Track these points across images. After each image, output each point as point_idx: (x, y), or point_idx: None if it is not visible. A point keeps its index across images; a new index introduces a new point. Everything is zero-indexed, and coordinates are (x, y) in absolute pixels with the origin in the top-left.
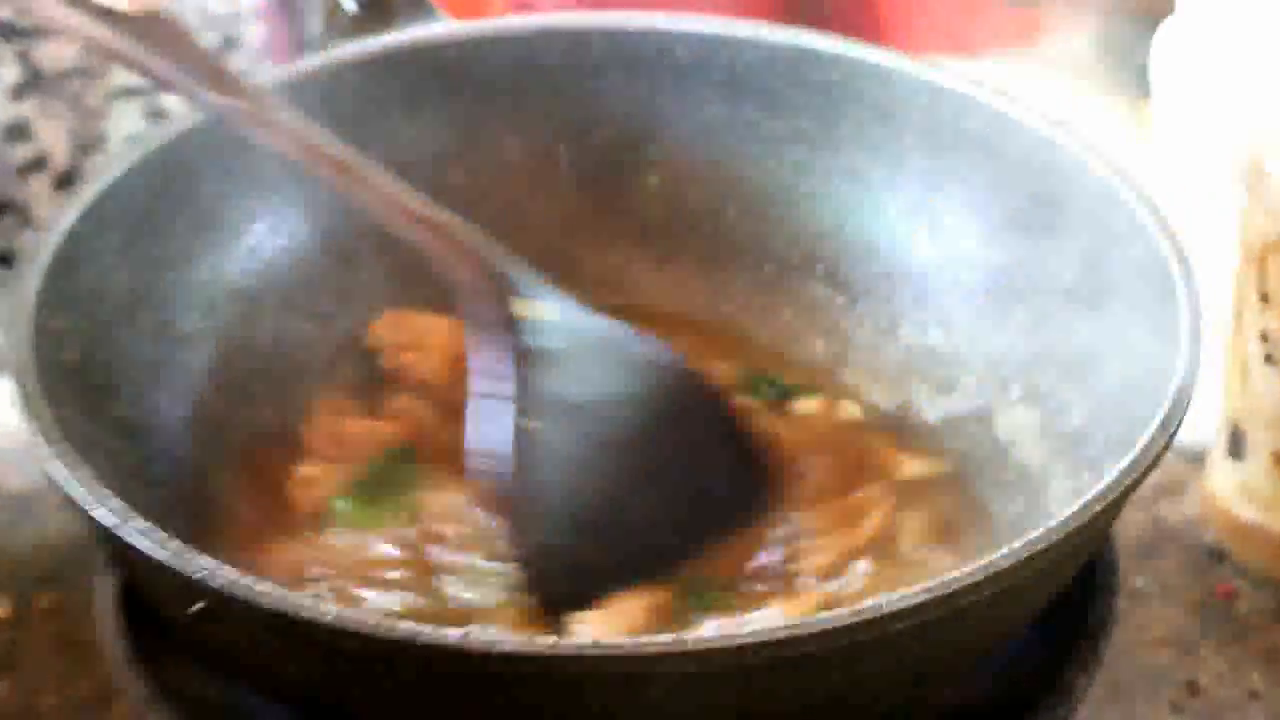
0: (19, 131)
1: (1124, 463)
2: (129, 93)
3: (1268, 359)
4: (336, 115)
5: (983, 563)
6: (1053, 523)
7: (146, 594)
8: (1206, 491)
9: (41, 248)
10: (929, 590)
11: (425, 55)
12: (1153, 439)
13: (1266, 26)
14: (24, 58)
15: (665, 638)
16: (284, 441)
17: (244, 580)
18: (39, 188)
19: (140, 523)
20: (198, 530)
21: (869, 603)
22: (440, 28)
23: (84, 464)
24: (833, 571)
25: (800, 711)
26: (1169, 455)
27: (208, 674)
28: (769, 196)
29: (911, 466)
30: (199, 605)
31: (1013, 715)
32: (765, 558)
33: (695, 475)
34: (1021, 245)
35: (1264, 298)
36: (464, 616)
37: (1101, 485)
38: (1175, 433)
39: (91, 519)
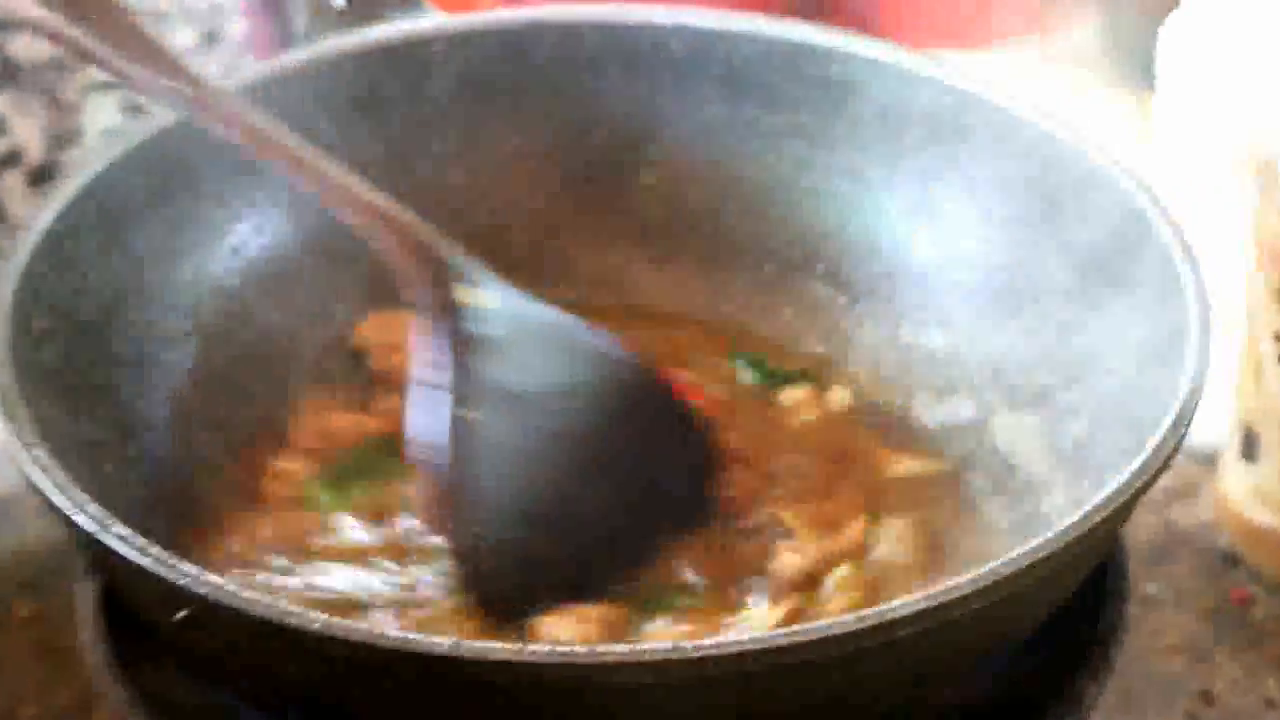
0: None
1: (1132, 466)
2: (106, 86)
3: None
4: (322, 112)
5: (986, 569)
6: (1058, 528)
7: (128, 600)
8: (1219, 494)
9: (19, 247)
10: (931, 598)
11: (413, 50)
12: (1162, 441)
13: (1277, 20)
14: None
15: (664, 644)
16: (270, 443)
17: (229, 587)
18: (13, 183)
19: (121, 528)
20: (181, 533)
21: (871, 610)
22: (429, 22)
23: (64, 467)
24: (806, 574)
25: (800, 712)
26: (1181, 457)
27: (190, 681)
28: (769, 194)
29: (905, 467)
30: (183, 613)
31: None
32: (736, 554)
33: (644, 471)
34: (1025, 244)
35: (1278, 298)
36: (425, 609)
37: (1109, 489)
38: (1184, 434)
39: (71, 524)
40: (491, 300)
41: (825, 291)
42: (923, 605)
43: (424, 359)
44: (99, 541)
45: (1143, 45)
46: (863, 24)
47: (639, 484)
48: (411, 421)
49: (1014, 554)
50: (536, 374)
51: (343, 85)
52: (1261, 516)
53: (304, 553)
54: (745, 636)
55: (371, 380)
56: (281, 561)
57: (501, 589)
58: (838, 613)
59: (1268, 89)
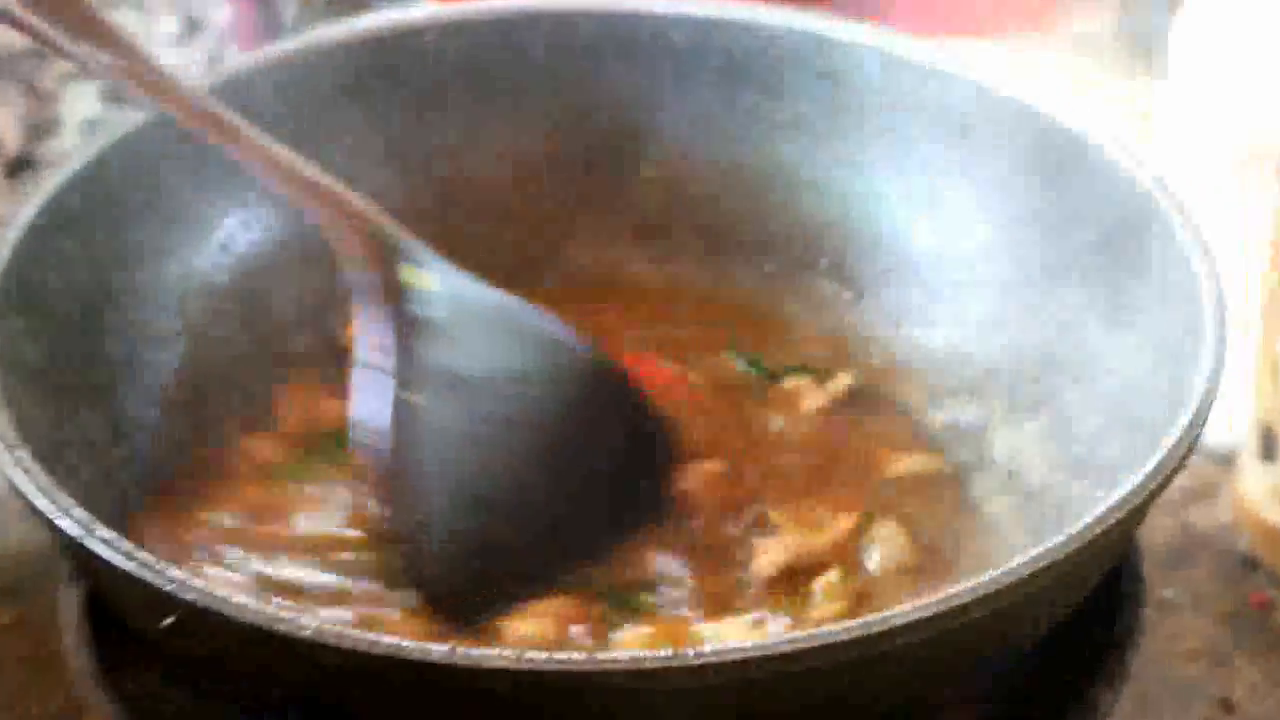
0: None
1: (1147, 467)
2: (85, 75)
3: None
4: (309, 103)
5: (993, 575)
6: (1069, 531)
7: (113, 606)
8: (1238, 496)
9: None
10: (934, 605)
11: (405, 40)
12: (1178, 440)
13: None
14: None
15: (665, 652)
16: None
17: (219, 593)
18: None
19: (106, 532)
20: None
21: (875, 617)
22: (420, 11)
23: (47, 470)
24: (787, 572)
25: (800, 712)
26: (1198, 458)
27: (176, 687)
28: (770, 187)
29: (905, 466)
30: (169, 619)
31: None
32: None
33: (595, 460)
34: (1033, 238)
35: None
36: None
37: (1123, 491)
38: (1199, 434)
39: (55, 528)
40: (437, 282)
41: (827, 286)
42: (926, 612)
43: (367, 342)
44: (83, 546)
45: (1153, 36)
46: (865, 12)
47: (589, 473)
48: (354, 406)
49: (1022, 559)
50: (483, 358)
51: (331, 76)
52: None
53: (257, 544)
54: (748, 644)
55: None
56: (236, 552)
57: (446, 579)
58: (822, 621)
59: None
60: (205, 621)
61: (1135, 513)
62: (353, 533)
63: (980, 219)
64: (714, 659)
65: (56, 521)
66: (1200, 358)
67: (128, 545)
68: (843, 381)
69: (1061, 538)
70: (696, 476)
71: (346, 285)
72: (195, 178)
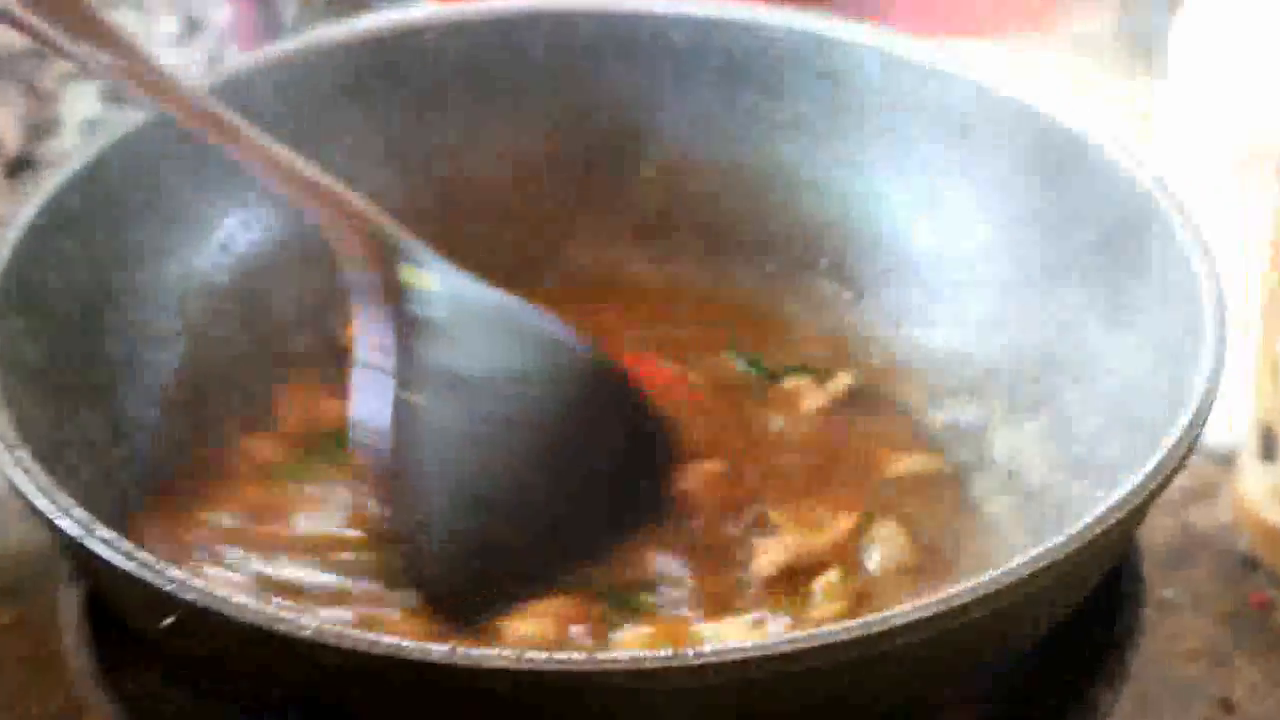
0: None
1: (1147, 466)
2: (85, 75)
3: None
4: (310, 103)
5: (993, 575)
6: (1069, 531)
7: (113, 606)
8: (1238, 496)
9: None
10: (935, 605)
11: (405, 40)
12: (1177, 440)
13: None
14: None
15: (665, 652)
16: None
17: (219, 593)
18: None
19: (106, 532)
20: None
21: (875, 617)
22: (420, 10)
23: (47, 470)
24: (786, 572)
25: (800, 712)
26: (1198, 458)
27: (176, 687)
28: (770, 187)
29: (905, 466)
30: (169, 619)
31: None
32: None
33: (594, 460)
34: (1034, 238)
35: None
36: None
37: (1123, 491)
38: (1199, 434)
39: (55, 528)
40: (437, 282)
41: (827, 285)
42: (926, 612)
43: (367, 342)
44: (83, 546)
45: (1153, 36)
46: (865, 12)
47: (589, 474)
48: (354, 406)
49: (1022, 559)
50: (483, 358)
51: (331, 76)
52: None
53: (257, 543)
54: (748, 644)
55: None
56: (236, 552)
57: (445, 579)
58: (822, 621)
59: None
60: (205, 621)
61: (1135, 513)
62: (353, 533)
63: (980, 219)
64: (714, 659)
65: (56, 521)
66: (1200, 357)
67: (128, 545)
68: (843, 381)
69: (1061, 538)
70: (696, 476)
71: (346, 285)
72: (195, 178)
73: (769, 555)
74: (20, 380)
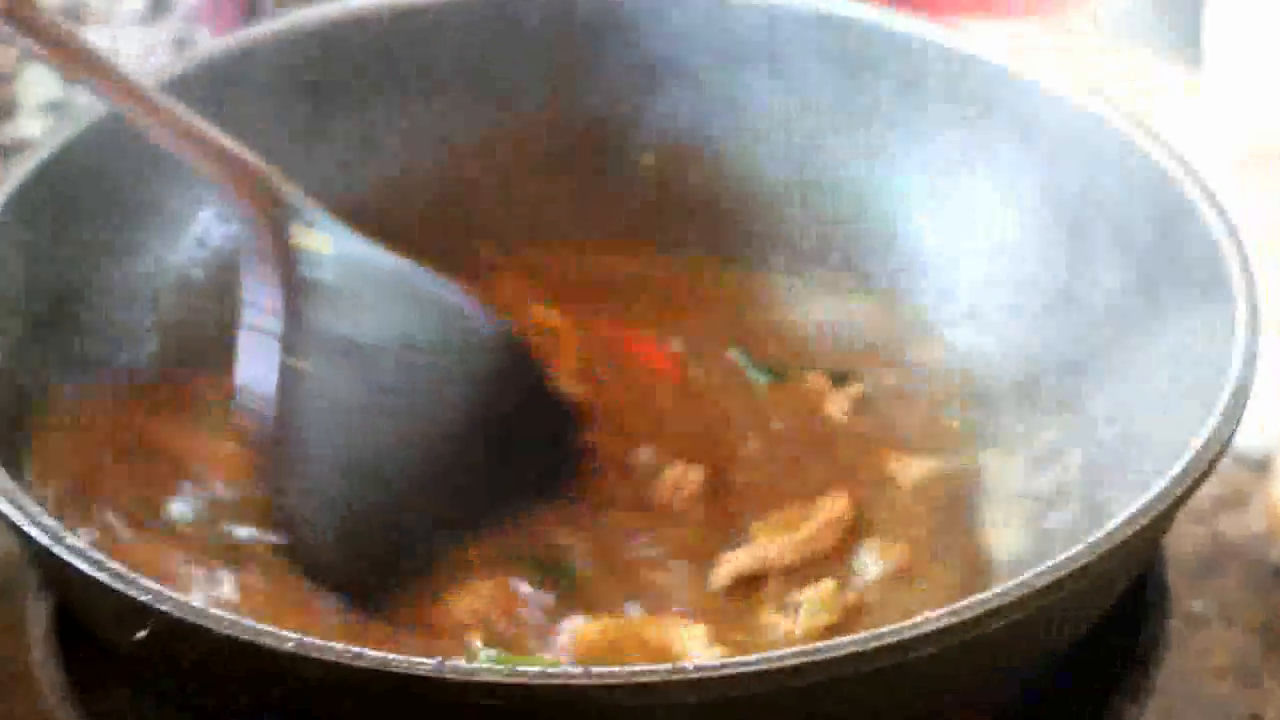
0: None
1: (1173, 471)
2: None
3: None
4: (292, 88)
5: (1012, 584)
6: (1092, 539)
7: (83, 618)
8: (1271, 503)
9: None
10: (951, 615)
11: (392, 21)
12: (1206, 444)
13: None
14: None
15: (664, 666)
16: None
17: (195, 604)
18: None
19: (76, 541)
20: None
21: (888, 628)
22: None
23: (14, 474)
24: (747, 577)
25: None
26: (1230, 464)
27: (148, 703)
28: (777, 177)
29: (915, 470)
30: (144, 631)
31: None
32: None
33: (491, 432)
34: (1059, 232)
35: None
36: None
37: (1147, 497)
38: (1230, 438)
39: (24, 536)
40: (331, 245)
41: (838, 281)
42: (938, 625)
43: (254, 304)
44: (52, 554)
45: (1192, 14)
46: None
47: (484, 444)
48: (239, 370)
49: (1042, 568)
50: (377, 325)
51: (313, 59)
52: None
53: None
54: (752, 657)
55: None
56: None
57: (329, 553)
58: (811, 633)
59: None
60: (181, 634)
61: (1161, 520)
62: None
63: (1000, 212)
64: (711, 674)
65: (25, 529)
66: (1231, 357)
67: (99, 554)
68: (851, 381)
69: (1082, 545)
70: (689, 477)
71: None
72: (168, 168)
73: (731, 564)
74: None
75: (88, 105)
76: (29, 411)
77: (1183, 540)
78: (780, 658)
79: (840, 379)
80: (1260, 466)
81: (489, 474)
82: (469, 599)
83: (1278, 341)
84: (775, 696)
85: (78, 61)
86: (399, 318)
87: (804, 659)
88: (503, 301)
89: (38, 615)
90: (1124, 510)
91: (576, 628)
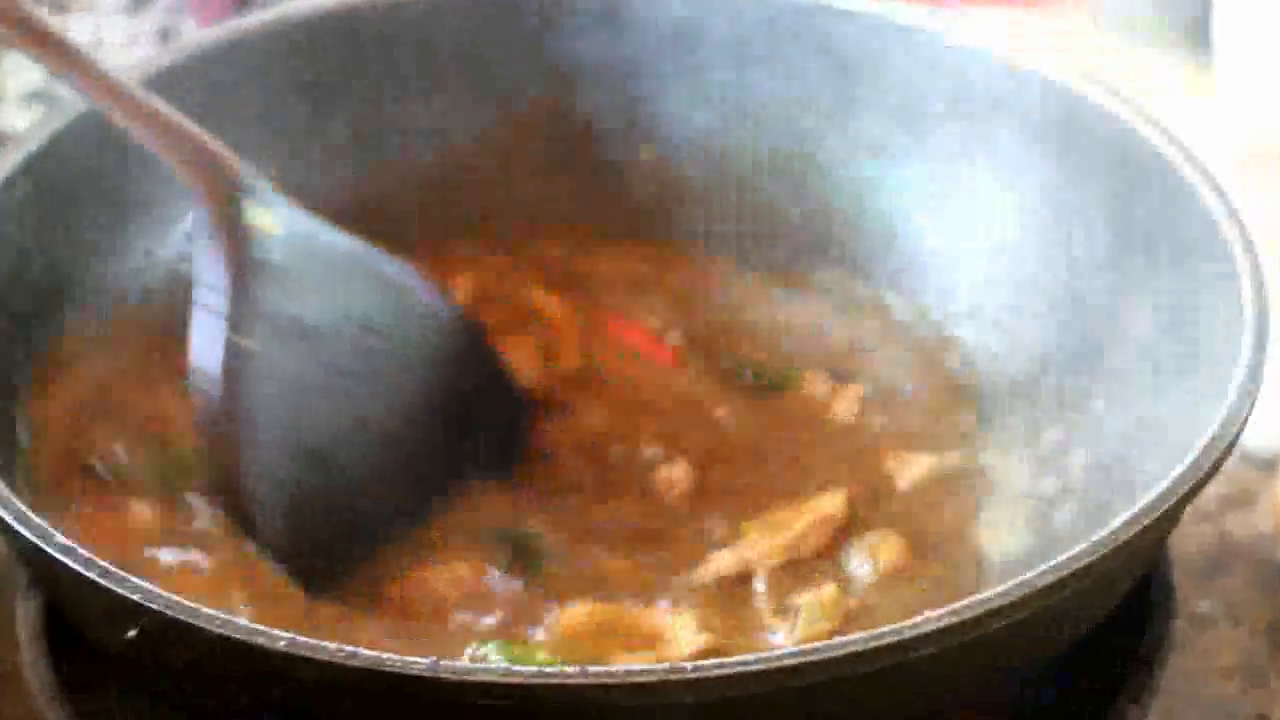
0: None
1: (1178, 470)
2: None
3: None
4: (281, 81)
5: (1013, 584)
6: (1095, 538)
7: (73, 618)
8: (1279, 502)
9: None
10: (953, 615)
11: (384, 12)
12: (1212, 442)
13: None
14: None
15: (662, 666)
16: None
17: (187, 603)
18: None
19: (65, 540)
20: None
21: (888, 628)
22: None
23: (2, 475)
24: (731, 576)
25: None
26: (1237, 462)
27: (138, 704)
28: (777, 172)
29: (915, 470)
30: (134, 631)
31: None
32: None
33: (441, 413)
34: (1062, 227)
35: None
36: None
37: (1152, 495)
38: (1237, 436)
39: (12, 533)
40: (281, 224)
41: (839, 279)
42: (939, 625)
43: (205, 282)
44: (42, 552)
45: (1191, 8)
46: None
47: (434, 425)
48: (191, 350)
49: (1045, 567)
50: (327, 305)
51: (304, 52)
52: None
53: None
54: (751, 657)
55: None
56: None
57: (276, 532)
58: (807, 639)
59: None
60: (172, 633)
61: (1166, 519)
62: None
63: (1003, 207)
64: (713, 673)
65: (14, 527)
66: (1239, 355)
67: (87, 553)
68: (851, 379)
69: (1085, 545)
70: (681, 474)
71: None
72: (157, 163)
73: (715, 563)
74: None
75: (74, 98)
76: (14, 409)
77: (1188, 540)
78: (779, 657)
79: (840, 377)
80: (1268, 466)
81: (439, 456)
82: (446, 578)
83: None
84: (774, 697)
85: (12, 27)
86: (352, 299)
87: (803, 659)
88: (501, 291)
89: (27, 615)
90: (1127, 510)
91: (561, 613)
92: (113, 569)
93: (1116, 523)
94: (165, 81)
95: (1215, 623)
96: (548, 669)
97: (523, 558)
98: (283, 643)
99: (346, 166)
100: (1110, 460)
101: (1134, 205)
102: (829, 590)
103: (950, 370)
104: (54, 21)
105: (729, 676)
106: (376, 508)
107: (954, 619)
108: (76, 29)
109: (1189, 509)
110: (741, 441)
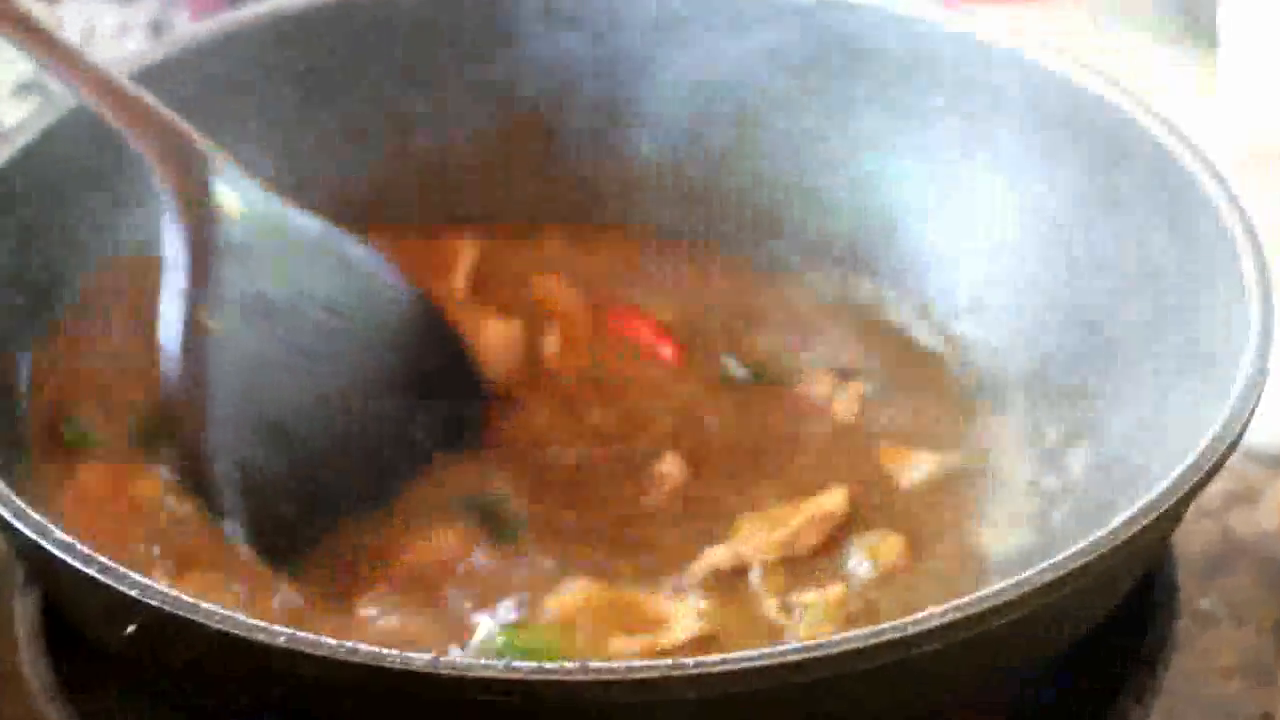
0: None
1: (1182, 466)
2: None
3: None
4: (277, 74)
5: (1016, 580)
6: (1096, 535)
7: (71, 615)
8: None
9: None
10: (956, 610)
11: (378, 4)
12: (1216, 438)
13: None
14: None
15: (664, 662)
16: None
17: (186, 599)
18: None
19: (63, 535)
20: None
21: (889, 624)
22: None
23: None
24: (726, 570)
25: None
26: (1241, 458)
27: (138, 704)
28: (777, 165)
29: (916, 468)
30: (132, 627)
31: None
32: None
33: (401, 394)
34: (1066, 222)
35: None
36: None
37: (1155, 492)
38: (1241, 432)
39: (11, 530)
40: (245, 204)
41: (840, 275)
42: (942, 620)
43: (170, 262)
44: (40, 548)
45: (1191, 3)
46: None
47: (395, 405)
48: (159, 329)
49: (1046, 564)
50: (291, 286)
51: (300, 45)
52: None
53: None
54: (753, 653)
55: None
56: None
57: (237, 510)
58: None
59: None
60: (170, 629)
61: (1169, 516)
62: None
63: (1007, 202)
64: (711, 669)
65: (12, 523)
66: (1243, 351)
67: (86, 549)
68: (851, 377)
69: (1087, 543)
70: (674, 469)
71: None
72: None
73: (709, 558)
74: None
75: (65, 92)
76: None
77: (1192, 537)
78: (781, 653)
79: (842, 374)
80: (1273, 462)
81: (399, 436)
82: (432, 549)
83: None
84: (776, 693)
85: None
86: (315, 279)
87: (806, 655)
88: (503, 277)
89: (24, 612)
90: (1131, 506)
91: (560, 596)
92: (111, 564)
93: (1117, 521)
94: (158, 75)
95: (1218, 621)
96: (548, 665)
97: (506, 538)
98: (282, 639)
99: (341, 159)
100: (1112, 458)
101: (1136, 201)
102: (835, 590)
103: (951, 368)
104: (40, 8)
105: (731, 673)
106: (337, 485)
107: (957, 615)
108: (68, 18)
109: (1193, 506)
110: (739, 438)
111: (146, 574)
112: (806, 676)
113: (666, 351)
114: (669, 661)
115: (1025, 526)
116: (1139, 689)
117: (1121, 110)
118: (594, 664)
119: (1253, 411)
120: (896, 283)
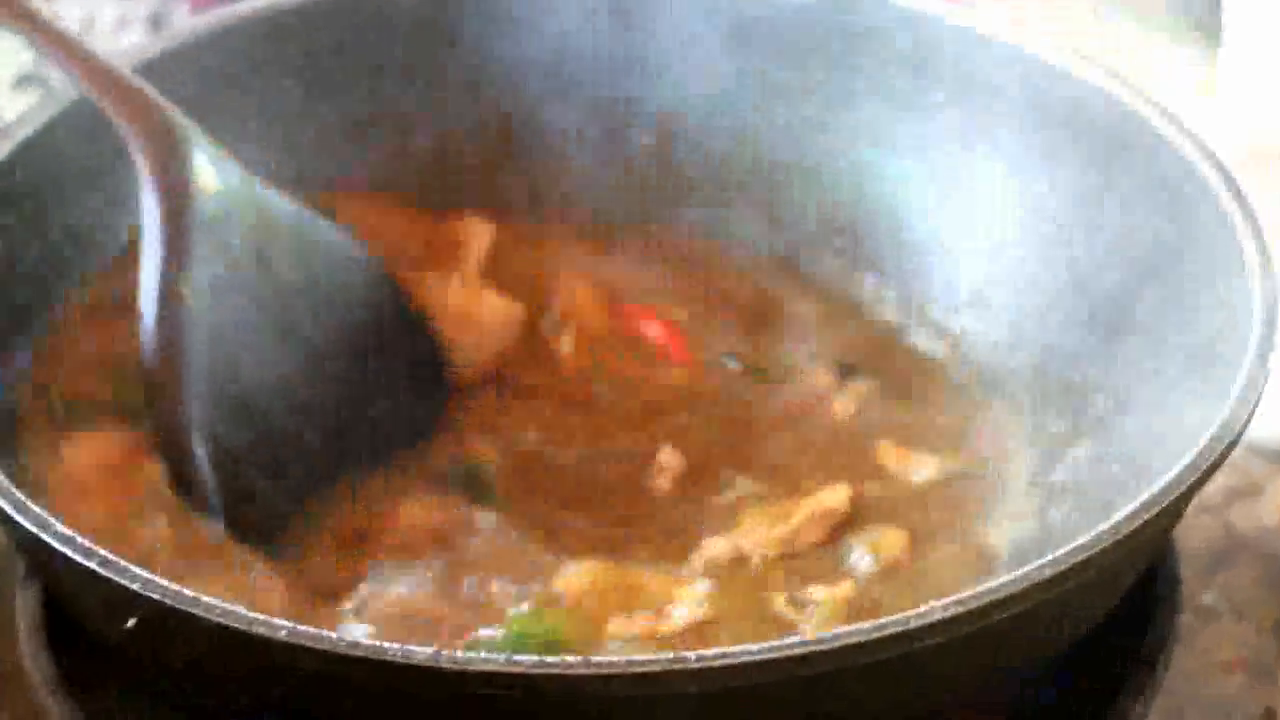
0: None
1: (1184, 460)
2: None
3: None
4: (278, 68)
5: (1017, 575)
6: (1098, 530)
7: (72, 609)
8: None
9: None
10: (958, 605)
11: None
12: (1218, 432)
13: None
14: None
15: (665, 655)
16: None
17: (187, 592)
18: None
19: (64, 528)
20: None
21: (891, 619)
22: None
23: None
24: (726, 562)
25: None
26: (1243, 453)
27: (139, 699)
28: (779, 159)
29: (917, 467)
30: (133, 620)
31: None
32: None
33: (371, 374)
34: (1068, 217)
35: None
36: None
37: (1157, 487)
38: (1244, 427)
39: (11, 523)
40: (223, 180)
41: (842, 269)
42: (944, 615)
43: (145, 236)
44: (41, 541)
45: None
46: None
47: (362, 384)
48: (140, 300)
49: (1047, 559)
50: (263, 261)
51: (300, 38)
52: None
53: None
54: (755, 647)
55: None
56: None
57: (206, 481)
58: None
59: None
60: (171, 623)
61: (1170, 510)
62: None
63: (1008, 197)
64: (713, 663)
65: (13, 516)
66: (1246, 347)
67: (87, 542)
68: (853, 373)
69: (1089, 537)
70: (674, 462)
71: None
72: None
73: (708, 550)
74: None
75: (66, 84)
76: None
77: (1193, 532)
78: (783, 647)
79: (843, 371)
80: (1275, 457)
81: (365, 415)
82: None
83: None
84: (779, 688)
85: None
86: (288, 258)
87: (810, 648)
88: (508, 271)
89: (25, 605)
90: (1132, 501)
91: (568, 574)
92: (112, 558)
93: (1119, 516)
94: (157, 69)
95: (1219, 617)
96: (550, 659)
97: (504, 525)
98: (283, 632)
99: (340, 154)
100: (1114, 454)
101: (1138, 195)
102: (845, 587)
103: (952, 365)
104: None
105: (732, 666)
106: (303, 462)
107: (959, 609)
108: (67, 11)
109: (1194, 501)
110: (741, 435)
111: (146, 565)
112: (809, 670)
113: (671, 348)
114: (670, 655)
115: (1027, 522)
116: (1139, 688)
117: (1123, 103)
118: (595, 658)
119: (1254, 407)
120: (899, 279)
